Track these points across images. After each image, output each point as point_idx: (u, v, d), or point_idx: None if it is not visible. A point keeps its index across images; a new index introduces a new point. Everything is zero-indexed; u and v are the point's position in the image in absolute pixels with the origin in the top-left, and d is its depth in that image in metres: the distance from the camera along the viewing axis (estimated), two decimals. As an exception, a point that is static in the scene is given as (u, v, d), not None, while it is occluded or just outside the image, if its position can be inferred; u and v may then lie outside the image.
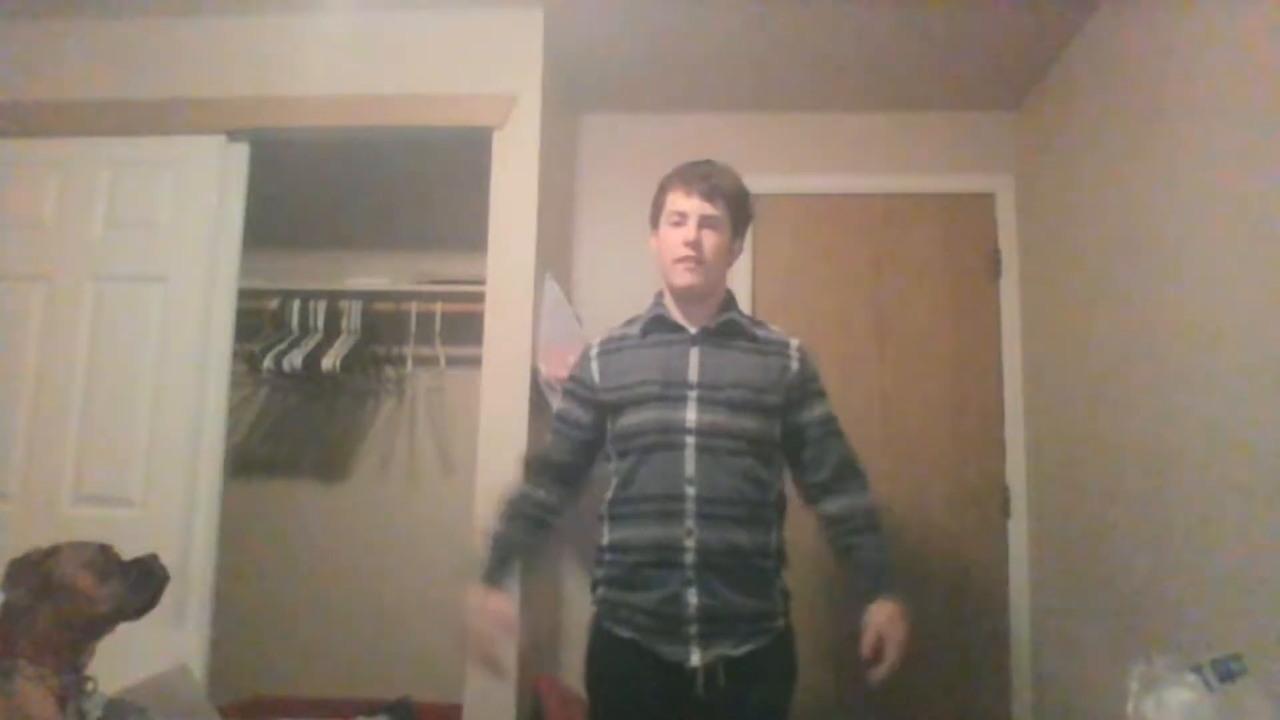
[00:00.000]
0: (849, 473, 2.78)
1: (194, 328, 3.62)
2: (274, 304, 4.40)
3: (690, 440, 2.62)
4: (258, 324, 4.38)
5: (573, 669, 3.45)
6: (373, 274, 4.54)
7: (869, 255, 4.41)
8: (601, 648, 2.70)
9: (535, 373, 3.61)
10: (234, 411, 4.36)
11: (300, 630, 4.46)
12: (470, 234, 3.89)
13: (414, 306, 4.34)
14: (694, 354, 2.70)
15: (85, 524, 3.42)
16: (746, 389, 2.68)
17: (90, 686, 2.33)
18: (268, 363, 4.25)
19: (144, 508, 3.54)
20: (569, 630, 4.04)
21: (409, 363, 4.44)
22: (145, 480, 3.56)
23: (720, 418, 2.64)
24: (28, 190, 3.76)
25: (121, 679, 2.60)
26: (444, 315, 4.32)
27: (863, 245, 4.41)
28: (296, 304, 4.40)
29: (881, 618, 2.61)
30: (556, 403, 2.94)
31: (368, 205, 4.71)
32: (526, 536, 2.78)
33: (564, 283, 4.07)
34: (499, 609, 2.70)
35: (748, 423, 2.67)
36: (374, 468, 4.58)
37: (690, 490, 2.60)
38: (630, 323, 2.85)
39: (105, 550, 2.39)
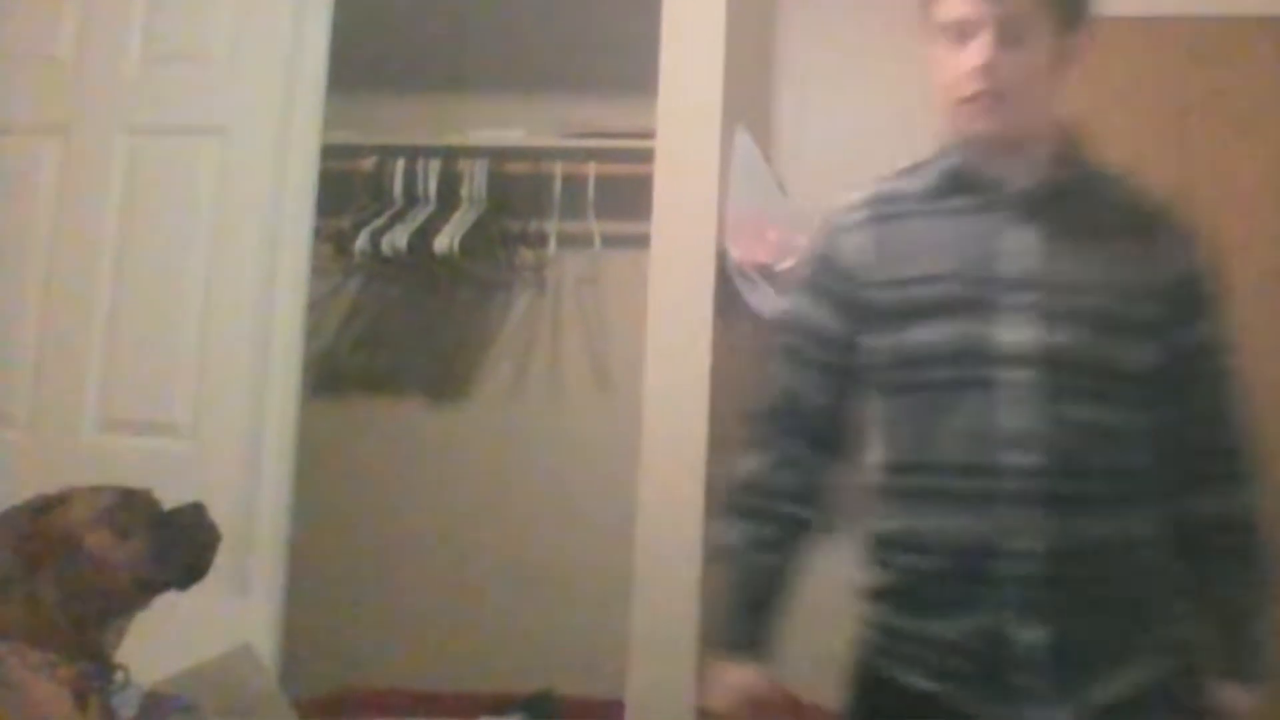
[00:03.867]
0: (1237, 451, 2.29)
1: (261, 197, 3.61)
2: (370, 165, 4.46)
3: (1016, 375, 2.15)
4: (348, 192, 4.43)
5: (794, 664, 3.18)
6: (503, 125, 4.57)
7: (1175, 100, 4.37)
8: (873, 703, 2.28)
9: (723, 257, 3.62)
10: (315, 309, 4.22)
11: (404, 602, 4.49)
12: (633, 71, 3.85)
13: (558, 168, 4.39)
14: (1019, 233, 2.22)
15: (114, 459, 3.38)
16: (1114, 294, 2.19)
17: (120, 677, 2.30)
18: (362, 244, 4.30)
19: (194, 438, 3.52)
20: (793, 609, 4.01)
21: (552, 243, 4.48)
22: (195, 401, 3.54)
23: (1072, 339, 2.17)
24: (38, 17, 3.77)
25: (164, 665, 2.59)
26: (599, 180, 4.36)
27: (1167, 86, 4.36)
28: (400, 165, 4.44)
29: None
30: (771, 304, 2.98)
31: (495, 33, 4.75)
32: (777, 557, 2.37)
33: (760, 136, 4.10)
34: (748, 685, 2.33)
35: (1119, 349, 2.18)
36: (505, 384, 4.66)
37: (1018, 457, 2.12)
38: (910, 172, 2.36)
39: (130, 498, 2.35)
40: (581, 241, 4.41)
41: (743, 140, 3.78)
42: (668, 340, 3.55)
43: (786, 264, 3.66)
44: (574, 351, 4.61)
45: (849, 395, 2.37)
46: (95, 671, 2.27)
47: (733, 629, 2.36)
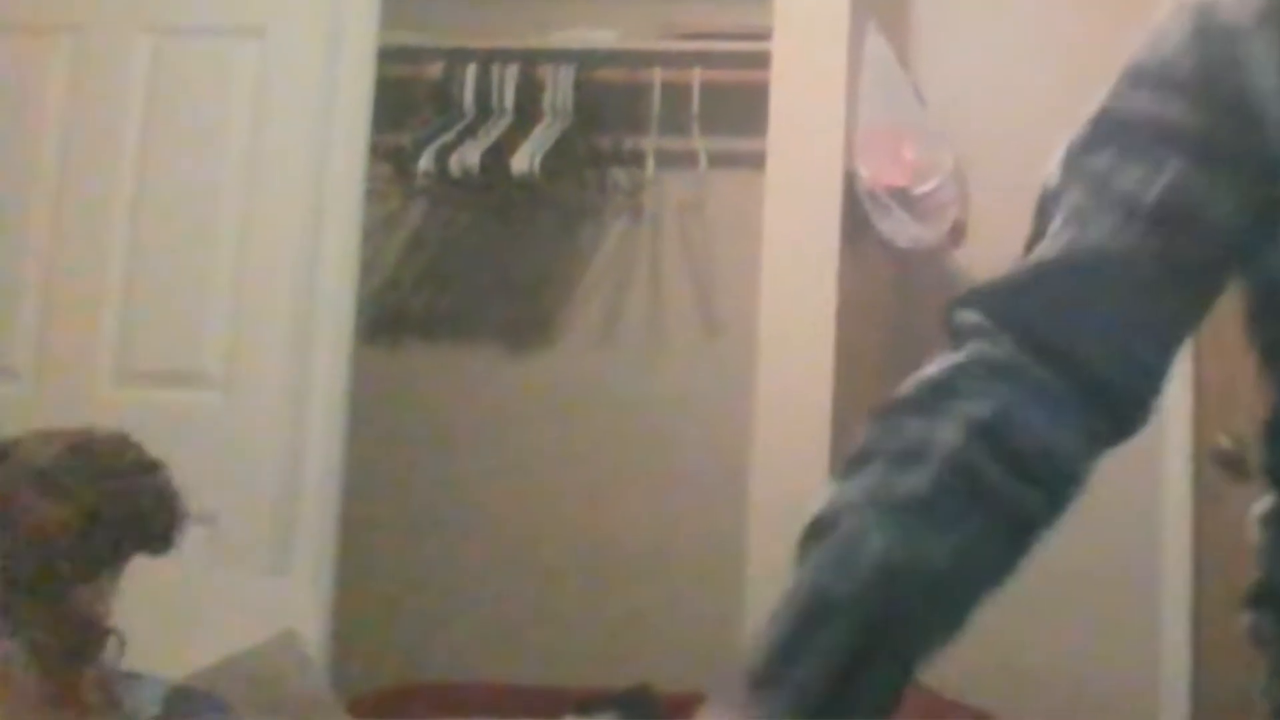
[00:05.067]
0: None
1: (307, 110, 3.59)
2: (436, 72, 4.33)
3: None
4: (410, 104, 4.33)
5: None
6: (592, 25, 4.45)
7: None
8: None
9: (851, 178, 3.60)
10: (371, 240, 4.18)
11: (473, 582, 4.33)
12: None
13: (657, 75, 4.24)
14: None
15: (133, 416, 3.10)
16: None
17: (113, 645, 2.24)
18: (425, 163, 4.17)
19: (227, 391, 3.50)
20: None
21: (649, 163, 4.30)
22: (229, 348, 3.52)
23: None
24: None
25: (193, 656, 2.60)
26: (705, 89, 4.19)
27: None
28: (471, 71, 4.29)
29: None
30: (908, 233, 3.13)
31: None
32: (995, 550, 1.57)
33: (895, 37, 4.02)
34: None
35: None
36: (594, 328, 4.49)
37: None
38: None
39: (82, 451, 2.29)
40: (685, 161, 4.26)
41: (874, 42, 3.76)
42: (786, 277, 3.58)
43: (926, 187, 3.66)
44: (676, 290, 4.44)
45: (1189, 325, 1.60)
46: (64, 647, 2.19)
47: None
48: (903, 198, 3.65)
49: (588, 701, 3.64)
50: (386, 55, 3.77)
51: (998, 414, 1.40)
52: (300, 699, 2.81)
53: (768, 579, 3.20)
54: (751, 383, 3.57)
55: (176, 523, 2.32)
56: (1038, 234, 1.47)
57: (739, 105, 4.04)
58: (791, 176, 3.60)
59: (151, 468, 2.34)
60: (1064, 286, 1.46)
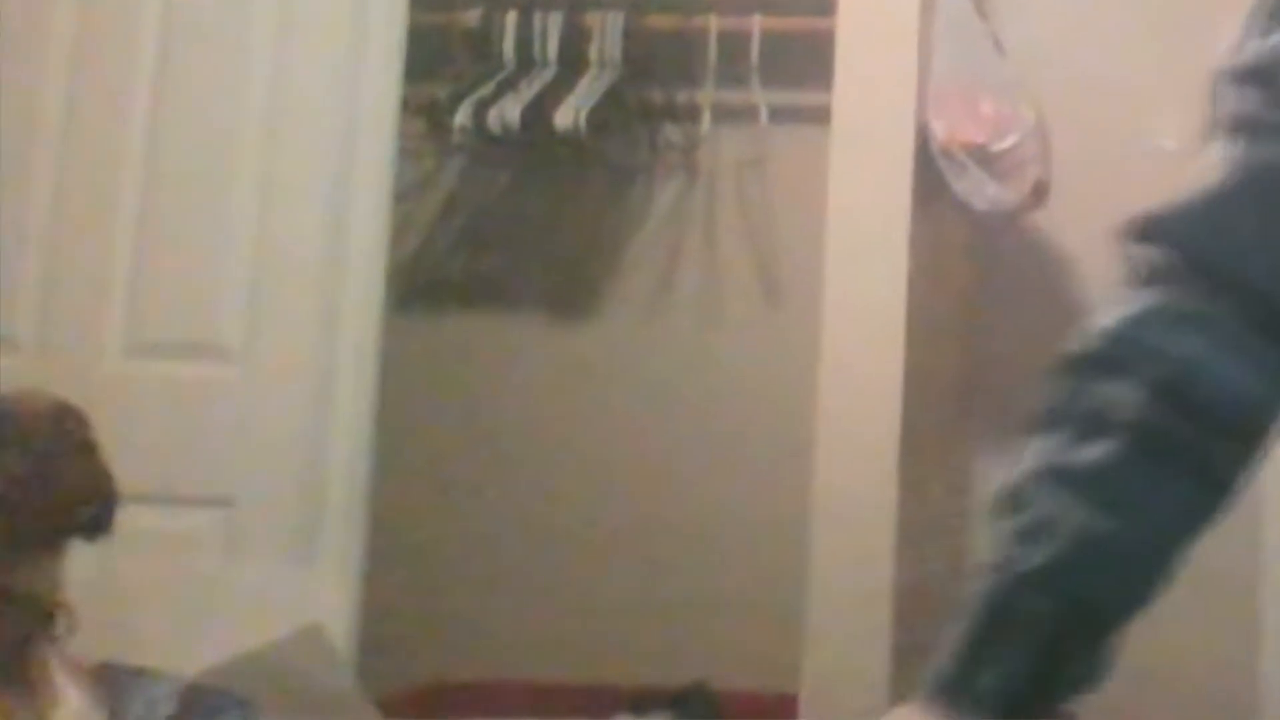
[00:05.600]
0: None
1: (334, 58, 3.51)
2: (473, 18, 4.22)
3: None
4: (446, 53, 4.24)
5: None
6: None
7: None
8: None
9: (924, 134, 3.56)
10: (404, 201, 4.07)
11: (512, 572, 4.25)
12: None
13: (714, 22, 4.14)
14: None
15: (144, 390, 3.34)
16: None
17: (62, 625, 2.27)
18: (462, 118, 4.08)
19: (247, 362, 3.43)
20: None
21: (705, 118, 4.22)
22: (248, 316, 3.45)
23: None
24: None
25: (210, 651, 2.60)
26: (766, 37, 4.10)
27: None
28: (512, 18, 4.20)
29: None
30: (985, 194, 3.13)
31: None
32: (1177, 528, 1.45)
33: None
34: None
35: None
36: (645, 296, 4.38)
37: None
38: None
39: (13, 415, 2.32)
40: (743, 116, 4.17)
41: (952, -14, 3.69)
42: (853, 240, 3.52)
43: (1004, 143, 3.60)
44: (733, 256, 4.32)
45: None
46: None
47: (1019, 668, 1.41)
48: (980, 155, 3.59)
49: (640, 701, 3.65)
50: (419, 0, 3.69)
51: (1187, 366, 1.39)
52: (326, 698, 2.80)
53: (832, 566, 3.01)
54: (815, 356, 3.50)
55: (107, 508, 2.30)
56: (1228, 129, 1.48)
57: (802, 55, 3.96)
58: (859, 133, 3.54)
59: (85, 447, 2.31)
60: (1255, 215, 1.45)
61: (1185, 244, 1.45)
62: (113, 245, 3.47)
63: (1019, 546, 1.36)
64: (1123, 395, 1.39)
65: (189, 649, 2.54)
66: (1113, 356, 1.41)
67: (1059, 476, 1.39)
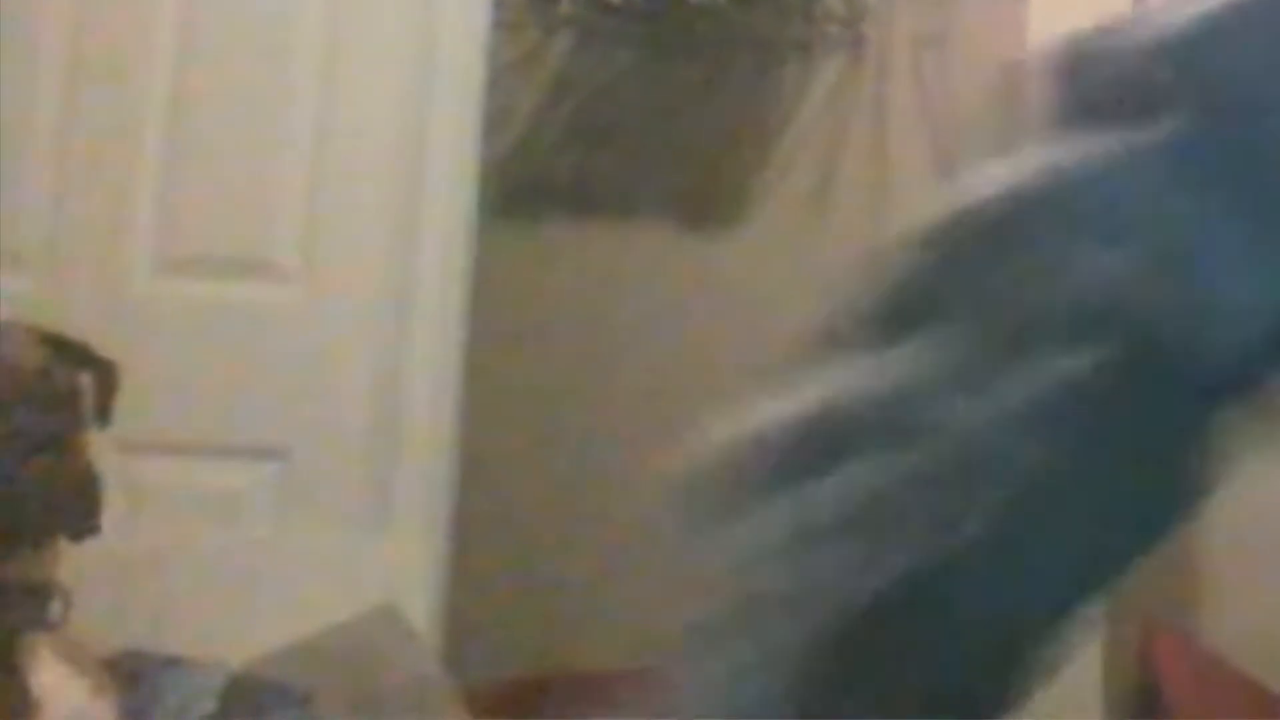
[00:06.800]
0: None
1: None
2: None
3: None
4: None
5: (1212, 624, 3.69)
6: None
7: None
8: None
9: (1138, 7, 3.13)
10: (500, 86, 3.80)
11: (626, 546, 3.80)
12: None
13: None
14: None
15: (178, 315, 3.25)
16: None
17: (56, 608, 2.22)
18: None
19: (306, 282, 3.31)
20: (1204, 556, 3.86)
21: None
22: (305, 229, 3.32)
23: None
24: None
25: (266, 634, 2.61)
26: None
27: None
28: None
29: None
30: None
31: None
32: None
33: None
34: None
35: None
36: (800, 198, 4.10)
37: None
38: None
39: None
40: None
41: None
42: None
43: None
44: (908, 150, 4.00)
45: None
46: None
47: None
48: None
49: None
50: None
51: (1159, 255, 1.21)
52: (403, 688, 2.74)
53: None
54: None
55: (91, 508, 2.22)
56: None
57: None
58: (1061, 2, 3.15)
59: (68, 425, 2.23)
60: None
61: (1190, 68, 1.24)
62: (139, 140, 3.27)
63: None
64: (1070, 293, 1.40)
65: (239, 633, 2.53)
66: (1053, 224, 1.30)
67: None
